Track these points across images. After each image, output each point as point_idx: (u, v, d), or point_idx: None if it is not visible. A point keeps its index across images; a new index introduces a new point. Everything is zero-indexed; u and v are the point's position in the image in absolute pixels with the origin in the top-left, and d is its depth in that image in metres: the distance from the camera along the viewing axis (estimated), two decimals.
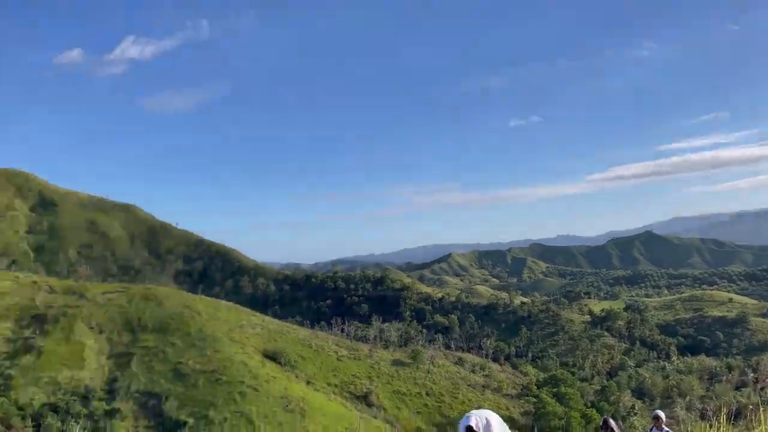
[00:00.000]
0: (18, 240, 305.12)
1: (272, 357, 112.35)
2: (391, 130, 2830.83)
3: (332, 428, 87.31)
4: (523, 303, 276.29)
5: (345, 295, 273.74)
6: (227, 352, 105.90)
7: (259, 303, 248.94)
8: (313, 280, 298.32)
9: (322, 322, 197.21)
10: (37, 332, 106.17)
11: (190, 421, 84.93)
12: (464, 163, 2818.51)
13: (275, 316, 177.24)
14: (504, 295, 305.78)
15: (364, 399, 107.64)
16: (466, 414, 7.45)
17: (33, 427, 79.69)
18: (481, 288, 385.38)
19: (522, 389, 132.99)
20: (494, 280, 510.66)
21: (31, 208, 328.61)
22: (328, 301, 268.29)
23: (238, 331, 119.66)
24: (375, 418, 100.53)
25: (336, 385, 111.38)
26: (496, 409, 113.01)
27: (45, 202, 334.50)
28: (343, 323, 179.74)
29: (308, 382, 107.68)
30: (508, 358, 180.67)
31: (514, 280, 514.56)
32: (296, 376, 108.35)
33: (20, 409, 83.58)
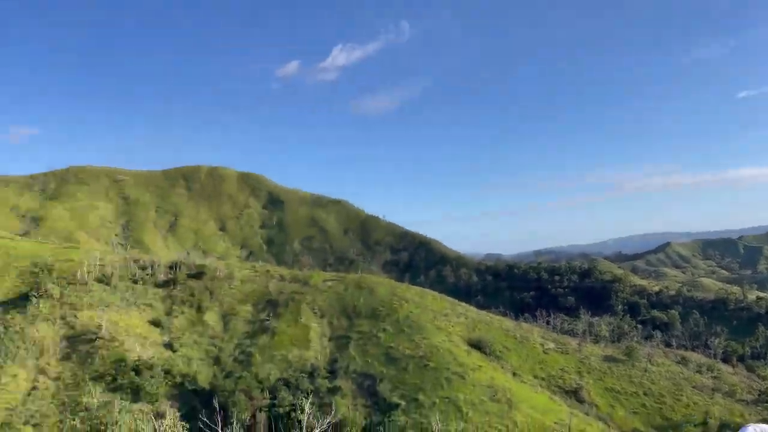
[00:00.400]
0: (254, 234, 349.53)
1: (477, 346, 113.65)
2: (595, 109, 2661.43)
3: (540, 421, 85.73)
4: (760, 298, 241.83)
5: (549, 287, 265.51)
6: (434, 340, 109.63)
7: (462, 293, 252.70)
8: (516, 270, 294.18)
9: (526, 314, 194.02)
10: (271, 315, 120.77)
11: (402, 403, 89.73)
12: (683, 142, 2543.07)
13: (478, 306, 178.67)
14: (736, 289, 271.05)
15: (573, 394, 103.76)
16: (743, 426, 6.95)
17: (270, 399, 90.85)
18: (707, 281, 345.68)
19: (759, 395, 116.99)
20: (723, 272, 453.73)
21: (263, 206, 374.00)
22: (532, 293, 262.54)
23: (443, 320, 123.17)
24: (587, 414, 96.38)
25: (543, 378, 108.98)
26: (728, 416, 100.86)
27: (274, 200, 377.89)
28: (548, 315, 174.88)
29: (514, 374, 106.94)
30: (741, 359, 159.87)
31: (748, 272, 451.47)
32: (501, 367, 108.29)
33: (259, 382, 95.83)
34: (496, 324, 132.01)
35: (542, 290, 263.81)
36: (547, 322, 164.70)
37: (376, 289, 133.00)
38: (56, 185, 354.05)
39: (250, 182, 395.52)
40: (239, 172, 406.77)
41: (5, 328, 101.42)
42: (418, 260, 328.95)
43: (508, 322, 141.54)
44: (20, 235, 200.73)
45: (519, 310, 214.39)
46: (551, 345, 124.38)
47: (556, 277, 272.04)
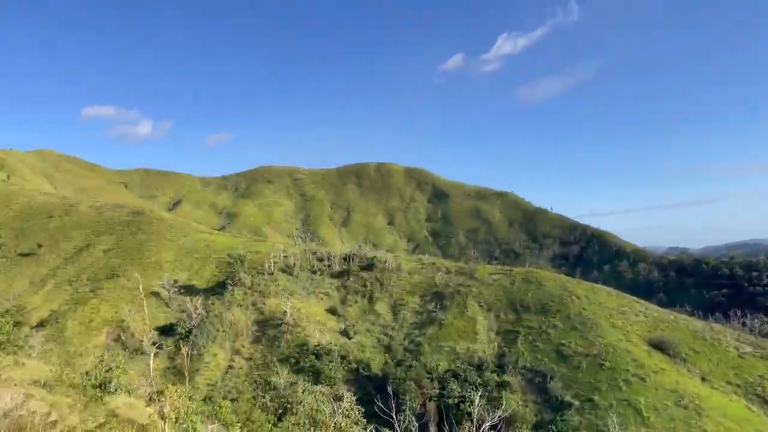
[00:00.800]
0: (420, 227, 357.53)
1: (659, 347, 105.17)
2: None
3: None
4: None
5: (745, 284, 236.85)
6: (609, 338, 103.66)
7: (641, 289, 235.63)
8: (704, 265, 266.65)
9: (717, 314, 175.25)
10: (438, 307, 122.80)
11: (575, 402, 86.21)
12: None
13: (660, 303, 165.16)
14: None
15: None
16: None
17: (439, 389, 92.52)
18: None
19: None
20: None
21: (428, 199, 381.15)
22: (724, 290, 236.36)
23: (620, 318, 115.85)
24: None
25: (737, 385, 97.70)
26: None
27: (438, 194, 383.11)
28: (744, 316, 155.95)
29: (703, 379, 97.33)
30: None
31: None
32: (688, 370, 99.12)
33: (428, 372, 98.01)
34: (681, 324, 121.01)
35: (737, 288, 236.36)
36: (743, 324, 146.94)
37: (545, 284, 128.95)
38: (246, 184, 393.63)
39: (415, 177, 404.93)
40: (405, 167, 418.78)
41: (207, 312, 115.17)
42: (591, 254, 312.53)
43: (696, 322, 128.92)
44: (218, 230, 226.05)
45: (708, 309, 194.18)
46: (748, 349, 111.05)
47: (754, 273, 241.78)
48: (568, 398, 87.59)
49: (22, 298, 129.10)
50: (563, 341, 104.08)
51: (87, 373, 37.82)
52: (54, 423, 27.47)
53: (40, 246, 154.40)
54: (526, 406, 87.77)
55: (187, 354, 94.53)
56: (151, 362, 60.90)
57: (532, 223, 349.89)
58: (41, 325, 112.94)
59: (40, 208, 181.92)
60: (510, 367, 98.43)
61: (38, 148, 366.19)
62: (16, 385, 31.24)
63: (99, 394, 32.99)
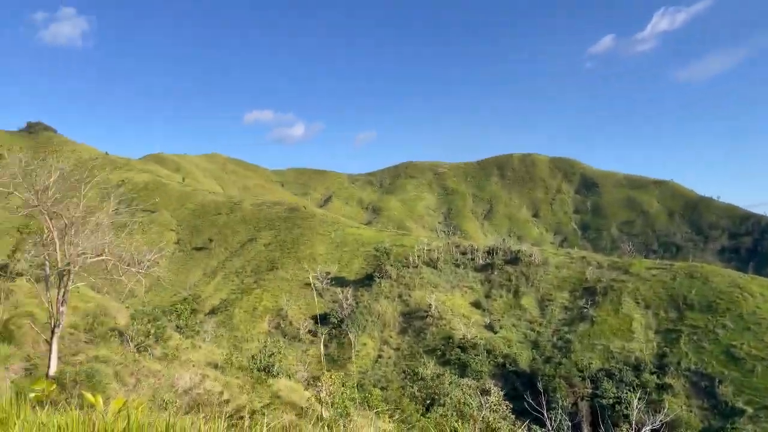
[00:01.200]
0: (567, 220, 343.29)
1: None
2: None
3: None
4: None
5: None
6: None
7: None
8: None
9: None
10: (589, 303, 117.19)
11: (749, 409, 78.05)
12: None
13: None
14: None
15: None
16: None
17: (592, 389, 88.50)
18: None
19: None
20: None
21: (576, 190, 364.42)
22: None
23: None
24: None
25: None
26: None
27: (587, 184, 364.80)
28: None
29: None
30: None
31: None
32: None
33: (580, 370, 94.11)
34: None
35: None
36: None
37: (712, 279, 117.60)
38: (390, 180, 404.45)
39: (562, 167, 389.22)
40: (551, 157, 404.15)
41: (356, 303, 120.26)
42: (767, 247, 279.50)
43: None
44: (365, 224, 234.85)
45: None
46: None
47: None
48: (740, 404, 79.54)
49: (197, 287, 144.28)
50: (734, 342, 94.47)
51: (253, 357, 41.50)
52: (227, 402, 30.58)
53: (211, 241, 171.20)
54: (691, 411, 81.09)
55: (351, 343, 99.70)
56: (321, 349, 65.40)
57: (696, 213, 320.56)
58: (213, 312, 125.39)
59: (211, 206, 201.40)
60: (672, 368, 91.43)
61: (208, 152, 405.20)
62: (194, 366, 35.15)
63: (264, 377, 36.07)
